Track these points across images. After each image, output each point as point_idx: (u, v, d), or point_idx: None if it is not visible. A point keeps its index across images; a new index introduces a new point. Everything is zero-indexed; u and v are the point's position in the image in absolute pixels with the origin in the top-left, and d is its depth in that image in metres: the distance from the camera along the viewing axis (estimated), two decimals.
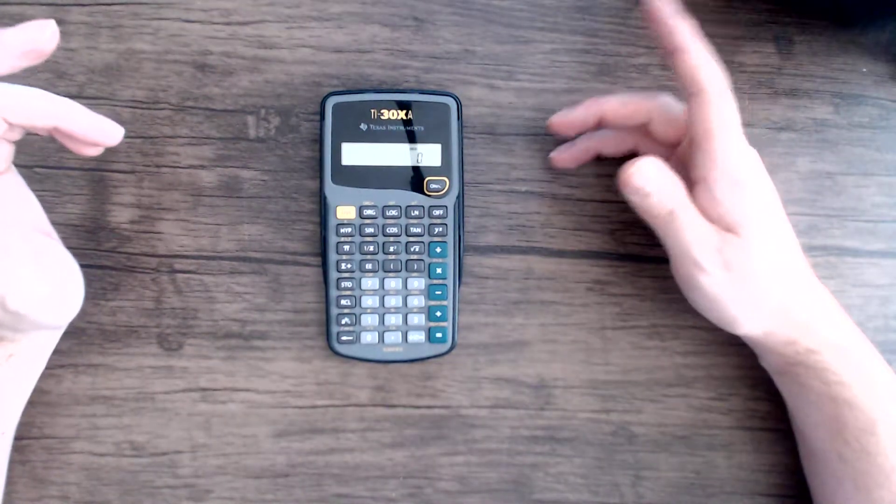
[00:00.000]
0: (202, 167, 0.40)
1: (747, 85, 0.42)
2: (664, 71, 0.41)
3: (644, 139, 0.39)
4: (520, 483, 0.40)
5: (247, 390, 0.40)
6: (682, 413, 0.41)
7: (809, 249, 0.41)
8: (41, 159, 0.39)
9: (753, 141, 0.42)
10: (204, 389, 0.40)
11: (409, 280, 0.38)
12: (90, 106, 0.39)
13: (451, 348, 0.39)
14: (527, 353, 0.41)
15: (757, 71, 0.42)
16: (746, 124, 0.41)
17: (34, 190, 0.34)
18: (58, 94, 0.39)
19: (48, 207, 0.35)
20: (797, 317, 0.36)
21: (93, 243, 0.40)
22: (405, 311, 0.39)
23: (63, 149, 0.32)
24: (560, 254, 0.41)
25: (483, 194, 0.41)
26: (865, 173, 0.42)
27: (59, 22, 0.39)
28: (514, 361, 0.41)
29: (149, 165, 0.40)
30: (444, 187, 0.38)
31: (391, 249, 0.38)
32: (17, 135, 0.31)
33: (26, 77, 0.39)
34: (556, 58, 0.41)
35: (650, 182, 0.34)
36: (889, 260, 0.42)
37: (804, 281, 0.36)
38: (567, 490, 0.40)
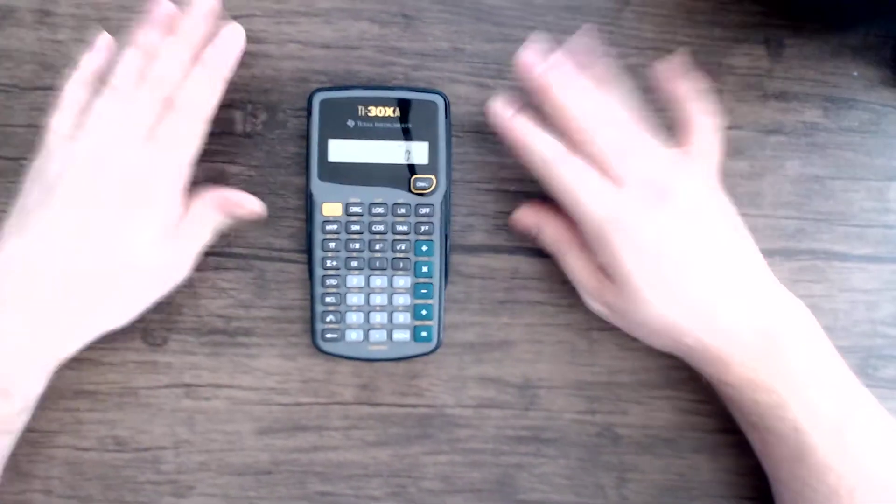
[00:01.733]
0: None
1: (737, 87, 0.42)
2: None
3: None
4: (504, 483, 0.40)
5: (231, 387, 0.40)
6: (667, 415, 0.41)
7: (797, 253, 0.41)
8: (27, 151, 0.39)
9: (743, 144, 0.42)
10: (188, 385, 0.40)
11: (395, 278, 0.38)
12: None
13: (437, 347, 0.39)
14: (512, 353, 0.41)
15: (747, 73, 0.42)
16: (736, 126, 0.41)
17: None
18: (44, 86, 0.39)
19: None
20: (710, 342, 0.34)
21: None
22: (390, 309, 0.38)
23: None
24: (547, 254, 0.41)
25: (470, 193, 0.41)
26: (854, 177, 0.42)
27: (47, 14, 0.40)
28: (500, 361, 0.41)
29: None
30: (432, 185, 0.38)
31: (377, 247, 0.38)
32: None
33: (12, 69, 0.39)
34: None
35: (531, 226, 0.39)
36: (876, 265, 0.42)
37: (725, 306, 0.34)
38: (551, 491, 0.40)
